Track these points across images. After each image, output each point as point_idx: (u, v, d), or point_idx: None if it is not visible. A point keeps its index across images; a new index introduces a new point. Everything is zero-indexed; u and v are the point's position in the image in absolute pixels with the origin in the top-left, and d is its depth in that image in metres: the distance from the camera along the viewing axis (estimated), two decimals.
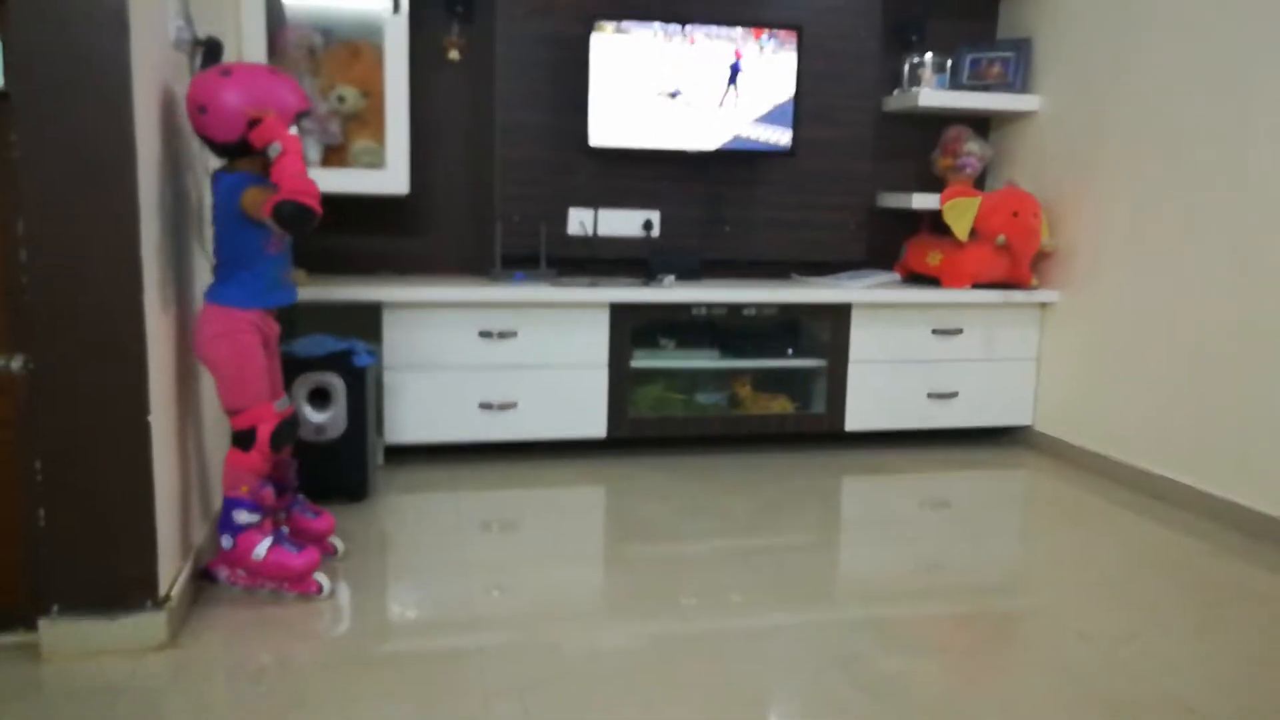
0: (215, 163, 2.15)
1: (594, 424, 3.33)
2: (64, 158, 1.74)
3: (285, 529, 2.28)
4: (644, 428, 3.41)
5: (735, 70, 3.47)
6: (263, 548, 2.10)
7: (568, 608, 2.17)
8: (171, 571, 1.98)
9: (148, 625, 1.88)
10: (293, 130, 2.02)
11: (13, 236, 1.74)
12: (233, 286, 2.09)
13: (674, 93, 3.44)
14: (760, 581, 2.35)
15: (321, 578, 2.17)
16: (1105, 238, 3.41)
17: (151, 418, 1.85)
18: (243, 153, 2.04)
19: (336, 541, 2.42)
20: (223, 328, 2.07)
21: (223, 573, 2.18)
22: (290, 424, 2.21)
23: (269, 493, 2.15)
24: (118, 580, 1.86)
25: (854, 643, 2.03)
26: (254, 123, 1.98)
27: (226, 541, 2.12)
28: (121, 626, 1.86)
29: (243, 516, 2.10)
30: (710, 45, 3.45)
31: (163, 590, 1.91)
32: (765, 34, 3.48)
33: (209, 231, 2.37)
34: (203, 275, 2.33)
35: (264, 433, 2.10)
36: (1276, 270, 2.75)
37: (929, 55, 3.79)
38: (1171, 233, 3.12)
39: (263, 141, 1.98)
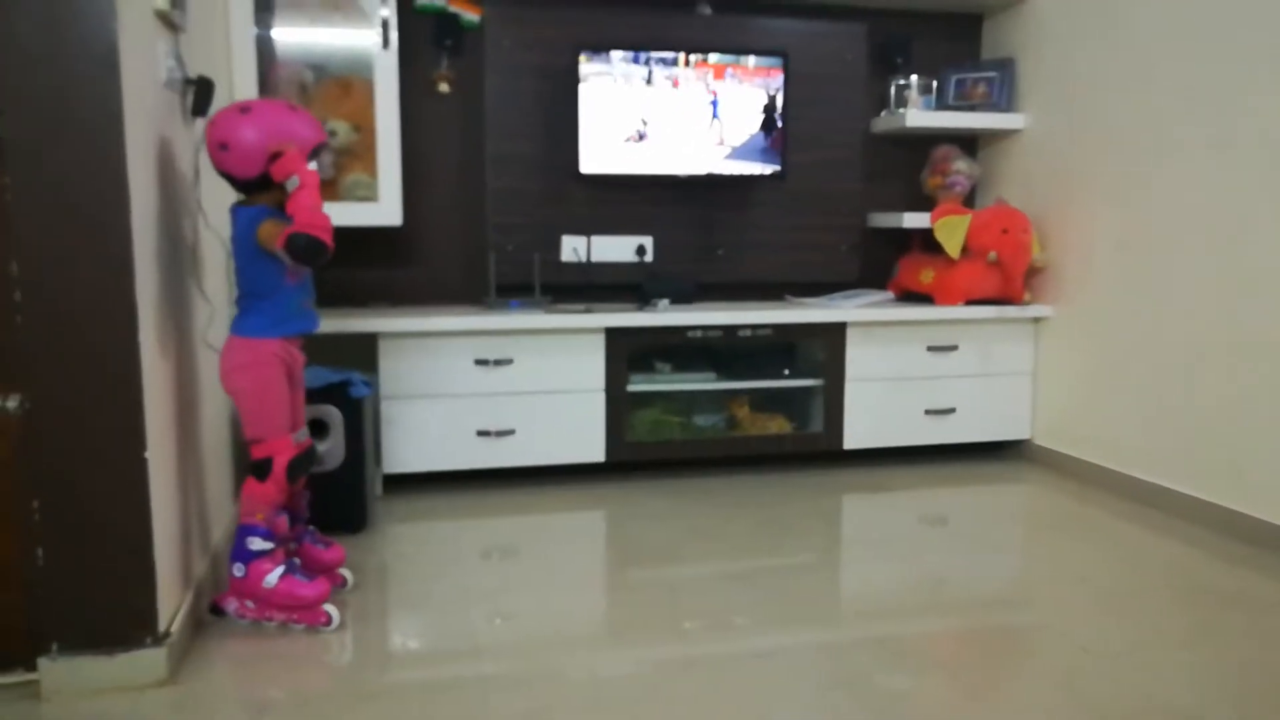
0: (233, 196, 2.19)
1: (592, 449, 3.33)
2: (57, 198, 1.75)
3: (297, 560, 2.28)
4: (642, 451, 3.41)
5: (715, 105, 3.52)
6: (274, 576, 2.10)
7: (570, 634, 2.17)
8: (171, 607, 1.97)
9: (148, 662, 1.87)
10: (312, 165, 2.07)
11: (7, 277, 1.75)
12: (254, 317, 2.12)
13: (646, 127, 3.47)
14: (762, 603, 2.35)
15: (330, 609, 2.17)
16: (1095, 251, 3.43)
17: (149, 454, 1.85)
18: (263, 188, 2.08)
19: (346, 573, 2.42)
20: (245, 359, 2.11)
21: (231, 605, 2.17)
22: (306, 456, 2.23)
23: (283, 521, 2.16)
24: (117, 618, 1.85)
25: (857, 662, 2.03)
26: (275, 156, 2.03)
27: (238, 569, 2.11)
28: (121, 664, 1.85)
29: (256, 544, 2.11)
30: (695, 75, 3.48)
31: (162, 626, 1.90)
32: (750, 60, 3.52)
33: (208, 267, 2.40)
34: (200, 312, 2.34)
35: (280, 464, 2.11)
36: (1264, 278, 2.77)
37: (914, 77, 3.83)
38: (1160, 244, 3.14)
39: (283, 175, 2.03)
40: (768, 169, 3.60)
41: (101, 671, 1.85)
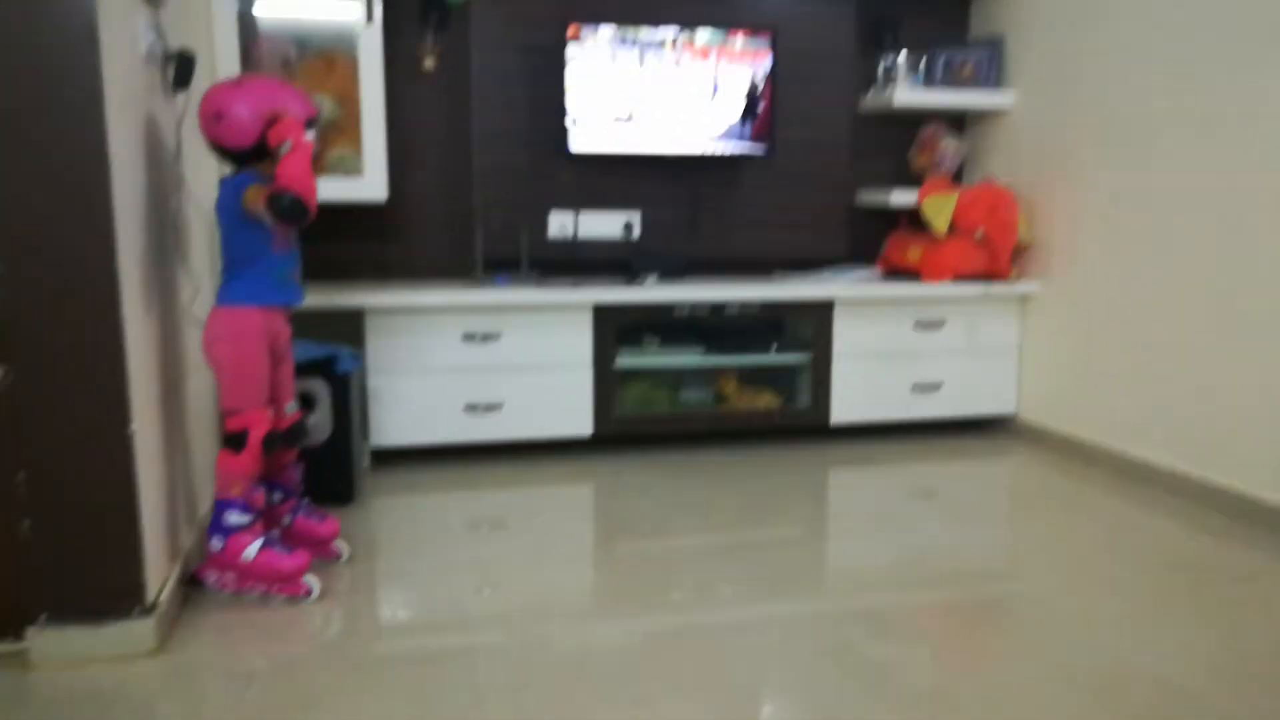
0: (217, 172, 2.19)
1: (580, 423, 3.34)
2: (38, 173, 1.74)
3: (276, 532, 2.28)
4: (630, 426, 3.42)
5: (715, 87, 3.51)
6: (253, 549, 2.11)
7: (558, 606, 2.18)
8: (159, 577, 1.98)
9: (136, 632, 1.88)
10: (308, 135, 2.08)
11: None
12: (237, 284, 2.13)
13: (632, 109, 3.46)
14: (750, 575, 2.36)
15: (311, 580, 2.18)
16: (1081, 228, 3.45)
17: (134, 427, 1.85)
18: (254, 159, 2.10)
19: (342, 545, 2.43)
20: (226, 329, 2.11)
21: (211, 576, 2.18)
22: (297, 429, 2.26)
23: (260, 495, 2.17)
24: (105, 588, 1.86)
25: (844, 633, 2.05)
26: (273, 121, 2.05)
27: (216, 543, 2.12)
28: (110, 634, 1.86)
29: (233, 518, 2.11)
30: (683, 58, 3.47)
31: (150, 596, 1.91)
32: (739, 37, 3.51)
33: (193, 242, 2.39)
34: (184, 287, 2.33)
35: (255, 436, 2.12)
36: (1250, 255, 2.79)
37: (903, 55, 3.82)
38: (1145, 221, 3.16)
39: (279, 139, 2.04)
40: (754, 149, 3.59)
41: (90, 641, 1.85)
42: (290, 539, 2.31)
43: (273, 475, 2.29)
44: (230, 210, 2.09)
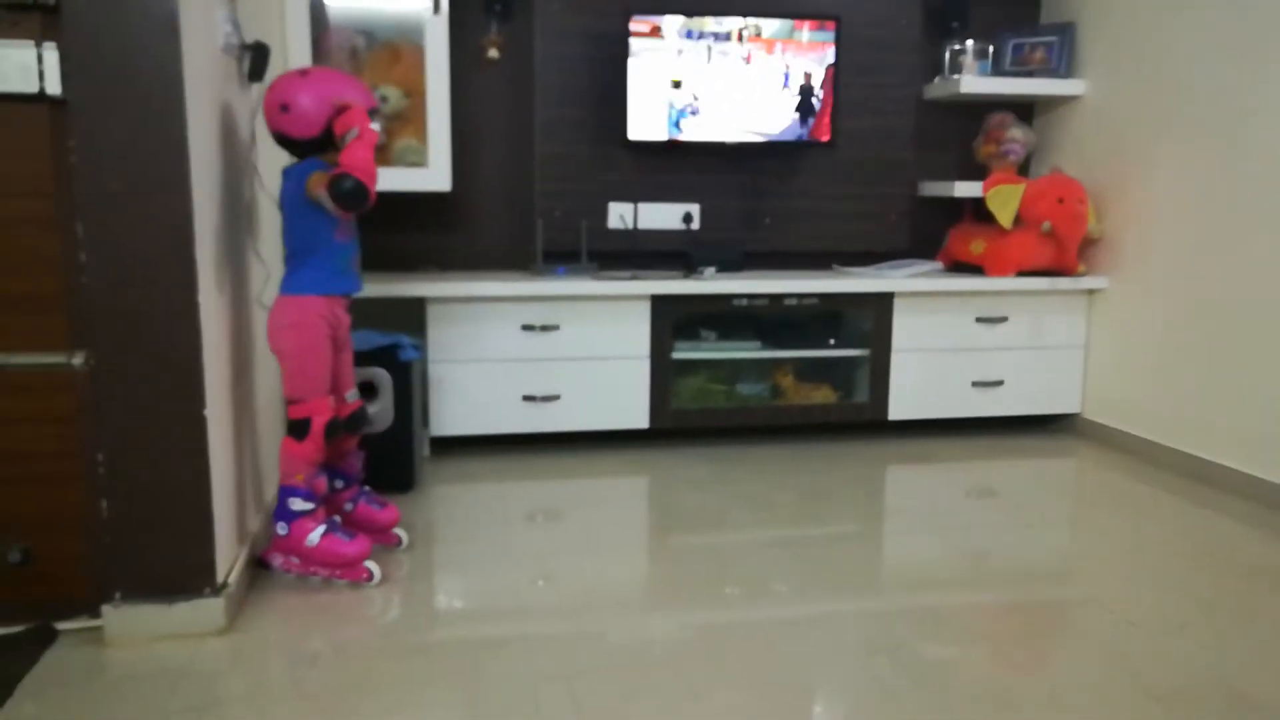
0: (285, 161, 2.23)
1: (636, 415, 3.36)
2: (120, 162, 1.79)
3: (338, 518, 2.33)
4: (686, 419, 3.43)
5: (779, 77, 3.48)
6: (316, 535, 2.16)
7: (613, 597, 2.20)
8: (228, 559, 2.04)
9: (206, 611, 1.94)
10: (373, 125, 2.12)
11: (73, 239, 1.81)
12: (302, 273, 2.17)
13: (697, 102, 3.45)
14: (804, 570, 2.36)
15: (372, 565, 2.23)
16: (1153, 223, 3.35)
17: (207, 411, 1.90)
18: (319, 149, 2.14)
19: (401, 532, 2.47)
20: (291, 319, 2.16)
21: (277, 560, 2.24)
22: (357, 417, 2.31)
23: (323, 481, 2.21)
24: (177, 568, 1.92)
25: (900, 631, 2.03)
26: (341, 110, 2.09)
27: (281, 528, 2.18)
28: (181, 612, 1.92)
29: (297, 504, 2.16)
30: (749, 50, 3.45)
31: (220, 577, 1.97)
32: (804, 27, 3.47)
33: (264, 230, 2.44)
34: (256, 274, 2.39)
35: (318, 424, 2.16)
36: None
37: (970, 42, 3.75)
38: (1220, 217, 3.06)
39: (345, 127, 2.08)
40: (816, 138, 3.56)
41: (162, 619, 1.92)
42: (351, 525, 2.35)
43: (334, 462, 2.34)
44: (294, 198, 2.14)
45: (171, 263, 1.84)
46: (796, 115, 3.53)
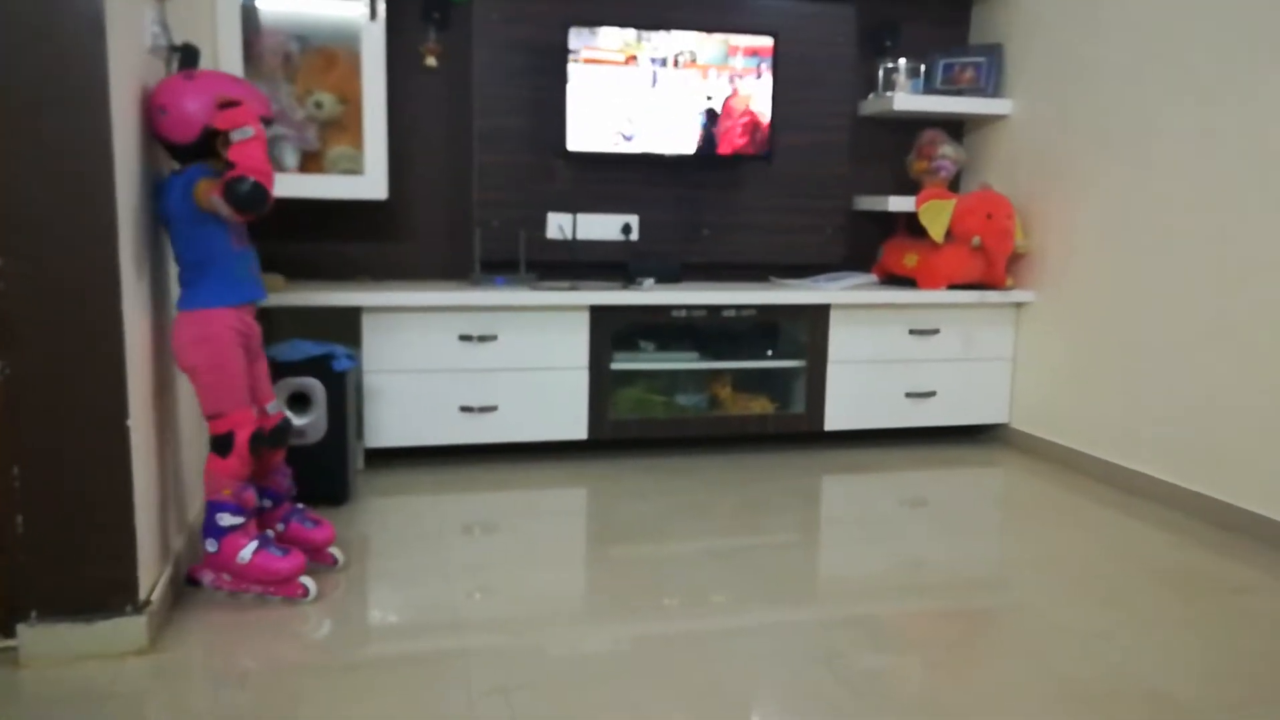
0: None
1: (575, 426, 3.34)
2: (42, 165, 1.73)
3: (270, 533, 2.26)
4: (625, 429, 3.42)
5: (715, 92, 3.51)
6: (248, 551, 2.09)
7: (551, 609, 2.18)
8: (151, 576, 1.97)
9: (128, 630, 1.87)
10: (268, 131, 2.05)
11: None
12: (202, 287, 2.06)
13: (632, 125, 3.47)
14: (742, 581, 2.37)
15: (307, 581, 2.17)
16: (1077, 238, 3.46)
17: (130, 422, 1.84)
18: (199, 155, 2.04)
19: (336, 552, 2.39)
20: (198, 333, 2.06)
21: (207, 577, 2.17)
22: (278, 431, 2.22)
23: (251, 495, 2.14)
24: (97, 585, 1.85)
25: (836, 640, 2.05)
26: (226, 104, 1.98)
27: (211, 545, 2.10)
28: (101, 631, 1.85)
29: (226, 519, 2.09)
30: (684, 76, 3.47)
31: (143, 595, 1.90)
32: (739, 53, 3.51)
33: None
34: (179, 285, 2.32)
35: (242, 437, 2.09)
36: (1247, 268, 2.80)
37: (903, 60, 3.83)
38: (1142, 231, 3.17)
39: (232, 123, 1.97)
40: (753, 152, 3.59)
41: (81, 639, 1.85)
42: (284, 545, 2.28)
43: (260, 480, 2.25)
44: (184, 210, 2.02)
45: (95, 268, 1.78)
46: (738, 124, 3.56)
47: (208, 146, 2.02)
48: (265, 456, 2.23)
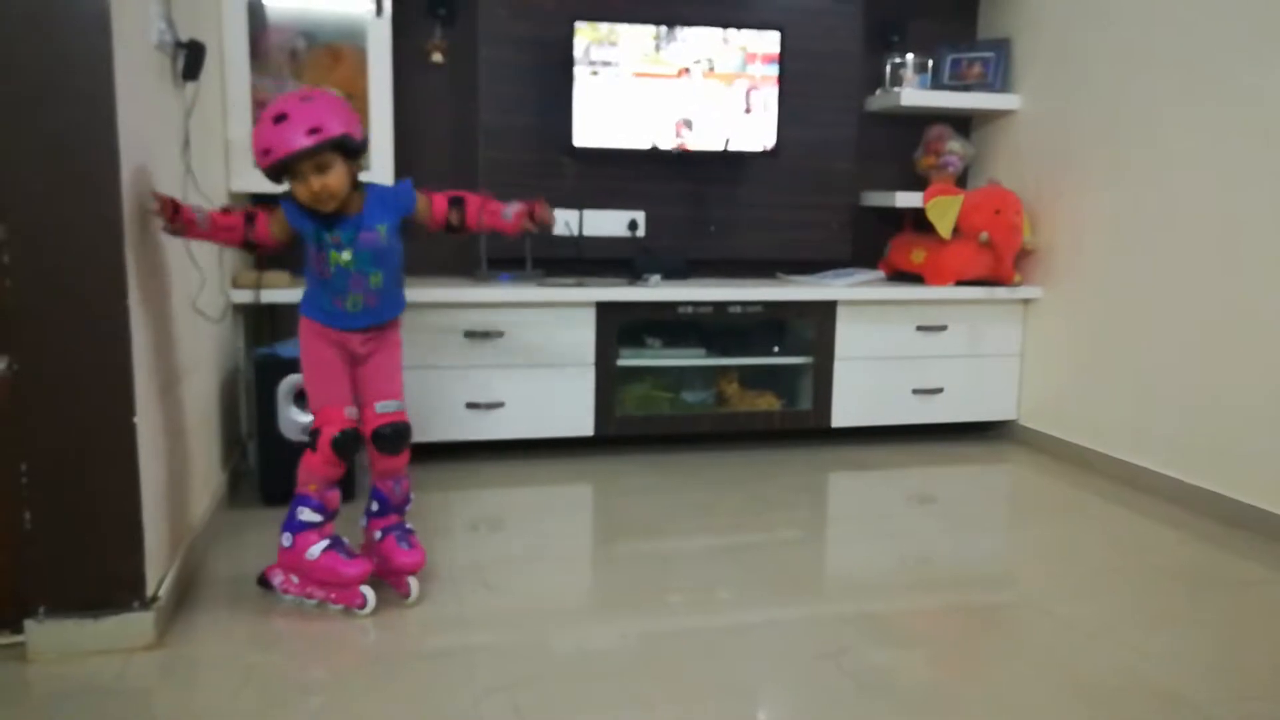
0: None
1: (581, 423, 3.34)
2: (47, 160, 1.73)
3: (345, 539, 2.17)
4: (631, 426, 3.42)
5: (724, 89, 3.49)
6: (317, 549, 2.08)
7: (557, 606, 2.18)
8: (159, 571, 1.98)
9: (135, 625, 1.87)
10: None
11: None
12: (306, 293, 2.12)
13: (641, 107, 3.46)
14: (749, 577, 2.36)
15: (367, 591, 2.09)
16: (1086, 234, 3.44)
17: (137, 419, 1.84)
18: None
19: (414, 583, 2.17)
20: (301, 332, 2.11)
21: (277, 578, 2.14)
22: (380, 434, 2.13)
23: (334, 495, 2.12)
24: (104, 581, 1.86)
25: (843, 636, 2.05)
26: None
27: (286, 539, 2.09)
28: (108, 627, 1.86)
29: (305, 514, 2.08)
30: (693, 82, 3.47)
31: (150, 590, 1.90)
32: (756, 60, 3.50)
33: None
34: (191, 279, 2.33)
35: (325, 435, 2.07)
36: (1257, 263, 2.79)
37: (910, 56, 3.82)
38: (1151, 227, 3.15)
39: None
40: (766, 137, 3.57)
41: (88, 634, 1.85)
42: (375, 559, 2.20)
43: (375, 482, 2.20)
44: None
45: (101, 264, 1.78)
46: (746, 120, 3.55)
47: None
48: (376, 459, 2.16)
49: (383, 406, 2.16)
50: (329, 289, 2.07)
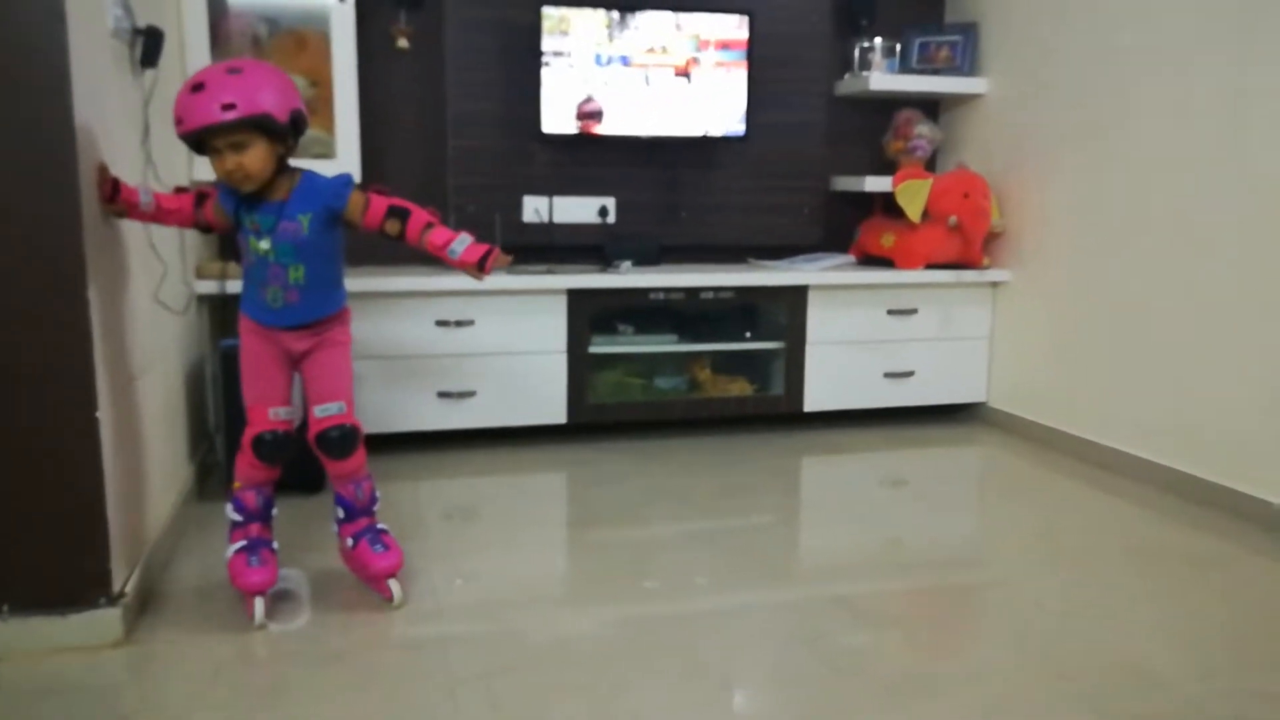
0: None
1: (554, 410, 3.33)
2: (3, 152, 1.69)
3: (262, 541, 2.09)
4: (604, 413, 3.41)
5: (692, 73, 3.48)
6: (231, 549, 2.05)
7: (532, 594, 2.17)
8: (125, 568, 1.94)
9: (102, 622, 1.85)
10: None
11: None
12: (243, 285, 2.05)
13: (609, 92, 3.44)
14: (724, 562, 2.37)
15: (258, 604, 1.98)
16: (1053, 217, 3.47)
17: (100, 414, 1.81)
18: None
19: (395, 586, 2.08)
20: (239, 326, 2.05)
21: None
22: (322, 437, 2.04)
23: (250, 496, 2.06)
24: (70, 578, 1.82)
25: (818, 620, 2.06)
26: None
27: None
28: (75, 624, 1.83)
29: (229, 512, 2.07)
30: (659, 70, 3.44)
31: (116, 587, 1.87)
32: (709, 46, 3.48)
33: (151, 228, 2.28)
34: (153, 270, 2.29)
35: (247, 435, 2.04)
36: (1221, 244, 2.82)
37: (879, 39, 3.82)
38: (1117, 210, 3.18)
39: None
40: (735, 121, 3.56)
41: (55, 632, 1.82)
42: (350, 566, 2.16)
43: (336, 488, 2.12)
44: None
45: (60, 257, 1.74)
46: (716, 105, 3.54)
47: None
48: (333, 464, 2.07)
49: (323, 410, 2.05)
50: (250, 279, 2.01)
